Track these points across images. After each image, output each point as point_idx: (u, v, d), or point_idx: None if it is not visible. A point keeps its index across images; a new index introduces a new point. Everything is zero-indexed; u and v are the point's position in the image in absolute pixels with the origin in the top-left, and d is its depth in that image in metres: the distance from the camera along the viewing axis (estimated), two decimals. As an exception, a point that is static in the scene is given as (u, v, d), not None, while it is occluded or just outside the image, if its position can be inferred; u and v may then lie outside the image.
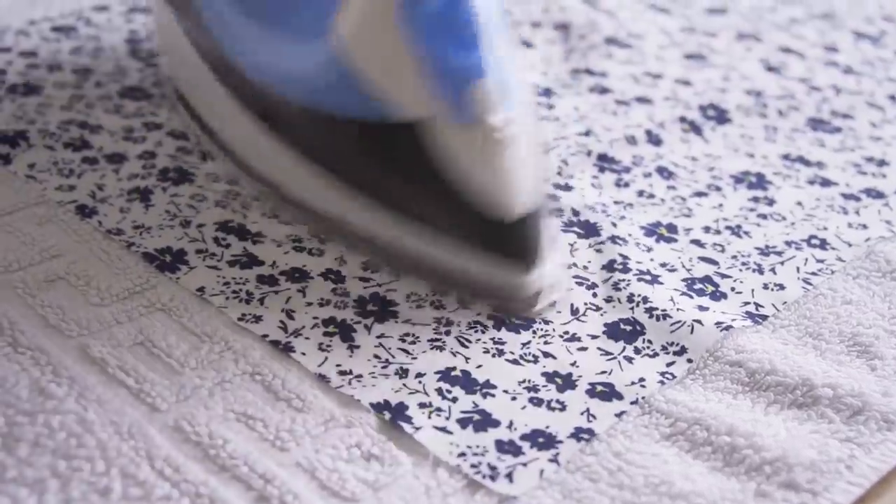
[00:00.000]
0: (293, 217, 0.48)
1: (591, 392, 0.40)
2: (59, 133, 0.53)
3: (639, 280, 0.45)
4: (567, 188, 0.51)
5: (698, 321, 0.43)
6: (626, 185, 0.52)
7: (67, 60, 0.60)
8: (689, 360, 0.42)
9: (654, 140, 0.56)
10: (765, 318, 0.44)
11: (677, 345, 0.43)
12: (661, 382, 0.41)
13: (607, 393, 0.40)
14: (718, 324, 0.43)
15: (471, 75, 0.41)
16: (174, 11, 0.54)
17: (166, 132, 0.54)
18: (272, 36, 0.47)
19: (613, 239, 0.48)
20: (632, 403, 0.40)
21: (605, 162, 0.54)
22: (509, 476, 0.37)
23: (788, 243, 0.49)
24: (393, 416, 0.39)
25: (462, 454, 0.37)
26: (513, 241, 0.42)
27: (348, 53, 0.43)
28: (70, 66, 0.59)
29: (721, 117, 0.59)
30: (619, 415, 0.39)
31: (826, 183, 0.54)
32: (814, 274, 0.47)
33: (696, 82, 0.63)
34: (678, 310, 0.44)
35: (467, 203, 0.42)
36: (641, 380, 0.41)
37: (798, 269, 0.47)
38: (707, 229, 0.50)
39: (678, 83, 0.63)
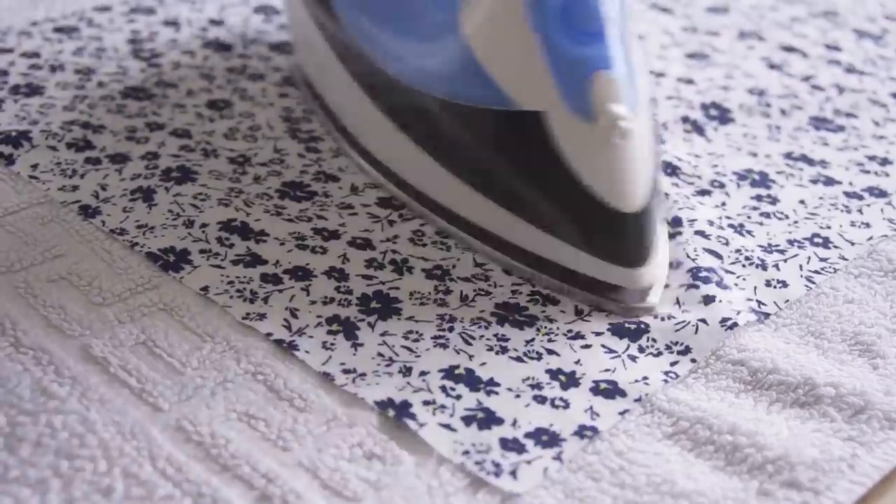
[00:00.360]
0: (413, 211, 0.48)
1: (595, 390, 0.40)
2: (61, 133, 0.53)
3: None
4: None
5: (703, 320, 0.43)
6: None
7: (70, 61, 0.60)
8: (693, 360, 0.42)
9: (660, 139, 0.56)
10: (767, 315, 0.44)
11: (681, 344, 0.42)
12: (665, 381, 0.40)
13: (611, 390, 0.40)
14: (724, 321, 0.43)
15: (594, 66, 0.42)
16: (309, 7, 0.54)
17: (169, 132, 0.53)
18: (403, 29, 0.47)
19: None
20: (635, 401, 0.39)
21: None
22: (513, 474, 0.36)
23: (791, 241, 0.49)
24: (397, 413, 0.38)
25: (466, 452, 0.37)
26: (629, 234, 0.43)
27: (473, 45, 0.43)
28: (72, 67, 0.59)
29: (724, 116, 0.59)
30: (622, 413, 0.39)
31: (829, 182, 0.54)
32: (817, 272, 0.47)
33: (698, 81, 0.63)
34: (683, 311, 0.44)
35: (585, 195, 0.42)
36: (645, 378, 0.41)
37: (801, 266, 0.47)
38: (711, 223, 0.49)
39: (680, 82, 0.63)
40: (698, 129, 0.58)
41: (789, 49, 0.68)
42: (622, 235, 0.43)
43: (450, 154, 0.45)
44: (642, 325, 0.43)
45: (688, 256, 0.46)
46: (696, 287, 0.45)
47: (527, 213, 0.43)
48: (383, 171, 0.50)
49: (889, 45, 0.71)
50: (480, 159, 0.45)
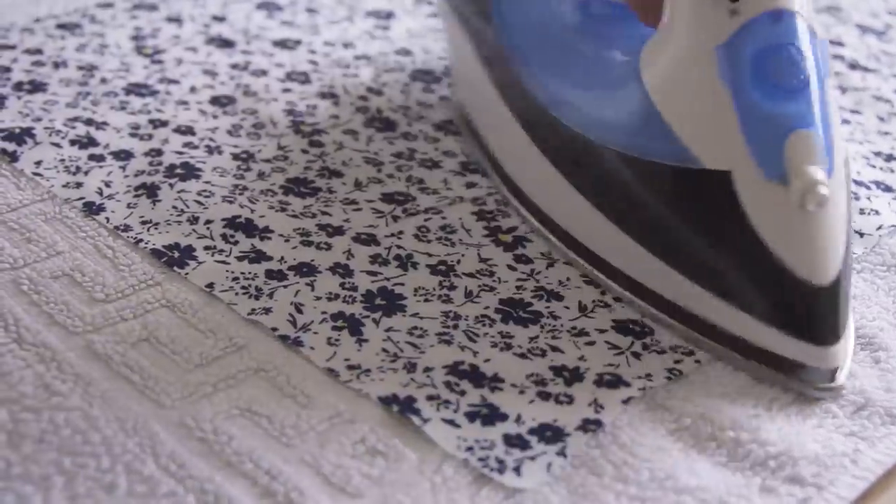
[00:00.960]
0: (580, 269, 0.45)
1: (598, 382, 0.40)
2: (65, 130, 0.52)
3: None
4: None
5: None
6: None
7: (72, 58, 0.59)
8: (697, 362, 0.41)
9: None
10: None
11: (686, 347, 0.42)
12: (668, 378, 0.40)
13: (614, 381, 0.40)
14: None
15: (791, 125, 0.39)
16: (472, 41, 0.51)
17: (172, 129, 0.53)
18: (578, 73, 0.45)
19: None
20: (639, 390, 0.39)
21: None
22: (517, 469, 0.36)
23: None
24: (401, 409, 0.38)
25: (470, 448, 0.37)
26: (820, 309, 0.39)
27: (654, 96, 0.41)
28: (75, 64, 0.59)
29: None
30: (626, 401, 0.39)
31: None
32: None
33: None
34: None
35: (773, 264, 0.39)
36: (648, 375, 0.40)
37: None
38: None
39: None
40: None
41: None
42: (813, 311, 0.39)
43: (621, 210, 0.43)
44: (647, 328, 0.43)
45: None
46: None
47: (703, 278, 0.40)
48: (547, 223, 0.46)
49: (892, 40, 0.71)
50: (656, 218, 0.41)
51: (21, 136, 0.52)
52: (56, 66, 0.58)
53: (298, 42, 0.63)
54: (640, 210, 0.42)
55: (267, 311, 0.42)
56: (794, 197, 0.38)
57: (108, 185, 0.49)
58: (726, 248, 0.40)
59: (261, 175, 0.50)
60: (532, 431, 0.38)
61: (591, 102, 0.45)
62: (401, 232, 0.47)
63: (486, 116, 0.52)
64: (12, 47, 0.60)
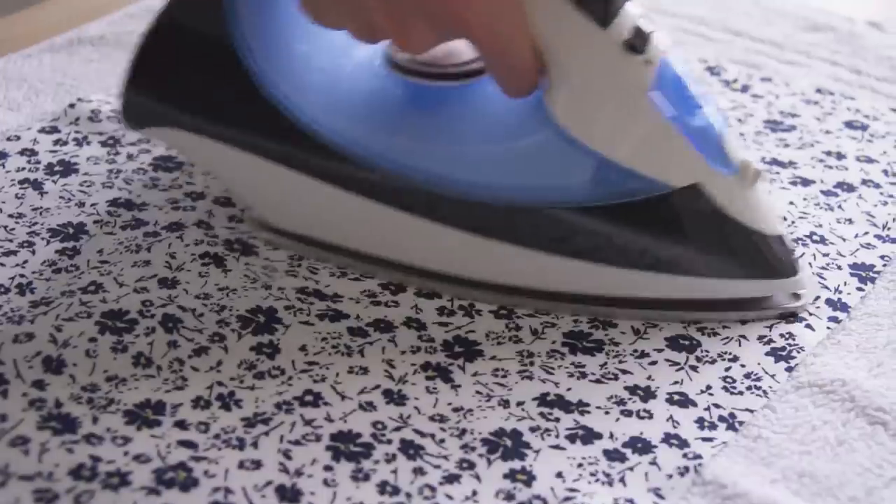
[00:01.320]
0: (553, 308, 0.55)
1: (670, 401, 0.51)
2: (112, 220, 0.60)
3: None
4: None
5: (743, 336, 0.54)
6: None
7: (91, 130, 0.66)
8: (743, 366, 0.52)
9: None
10: (795, 315, 0.55)
11: (730, 353, 0.53)
12: (725, 388, 0.51)
13: (683, 401, 0.51)
14: (761, 337, 0.54)
15: (715, 130, 0.53)
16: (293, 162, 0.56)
17: (211, 200, 0.61)
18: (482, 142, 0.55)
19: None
20: (704, 410, 0.50)
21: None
22: (622, 481, 0.47)
23: (795, 240, 0.60)
24: (513, 442, 0.48)
25: (580, 465, 0.47)
26: (787, 251, 0.55)
27: (607, 150, 0.52)
28: (96, 139, 0.66)
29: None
30: (697, 420, 0.50)
31: (805, 182, 0.65)
32: (824, 268, 0.58)
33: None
34: (723, 326, 0.54)
35: (753, 234, 0.53)
36: (708, 387, 0.51)
37: (810, 264, 0.58)
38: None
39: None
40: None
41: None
42: (784, 254, 0.55)
43: (596, 250, 0.54)
44: (694, 341, 0.54)
45: None
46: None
47: (687, 268, 0.53)
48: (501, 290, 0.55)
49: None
50: (637, 243, 0.53)
51: (75, 234, 0.58)
52: (78, 142, 0.65)
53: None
54: (624, 243, 0.53)
55: (364, 368, 0.51)
56: (748, 181, 0.53)
57: (173, 256, 0.57)
58: (712, 239, 0.54)
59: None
60: (625, 445, 0.48)
61: (509, 170, 0.54)
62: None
63: (327, 214, 0.57)
64: (28, 127, 0.66)
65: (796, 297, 0.56)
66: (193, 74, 0.57)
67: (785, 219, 0.62)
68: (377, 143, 0.55)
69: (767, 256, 0.54)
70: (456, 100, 0.56)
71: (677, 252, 0.54)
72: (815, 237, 0.61)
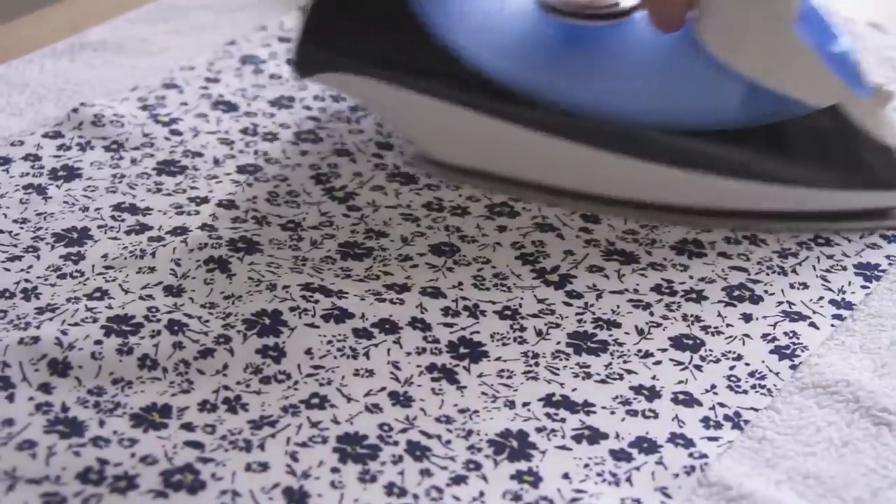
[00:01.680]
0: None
1: (675, 400, 0.51)
2: (116, 225, 0.60)
3: (687, 300, 0.56)
4: (595, 220, 0.62)
5: (747, 335, 0.55)
6: (646, 208, 0.64)
7: (93, 135, 0.66)
8: (747, 364, 0.53)
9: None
10: (799, 314, 0.56)
11: (734, 352, 0.54)
12: (730, 387, 0.52)
13: (688, 401, 0.51)
14: (764, 336, 0.54)
15: (851, 57, 0.60)
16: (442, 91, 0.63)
17: (215, 204, 0.62)
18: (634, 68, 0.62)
19: (653, 266, 0.59)
20: (709, 409, 0.50)
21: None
22: (629, 480, 0.47)
23: (800, 244, 0.60)
24: (519, 443, 0.49)
25: (586, 465, 0.48)
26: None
27: (754, 73, 0.58)
28: (99, 143, 0.66)
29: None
30: (702, 420, 0.50)
31: (810, 182, 0.66)
32: (828, 270, 0.59)
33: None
34: (727, 325, 0.55)
35: (883, 148, 0.60)
36: (713, 387, 0.52)
37: (814, 267, 0.59)
38: (728, 240, 0.61)
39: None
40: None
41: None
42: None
43: (744, 169, 0.60)
44: (698, 340, 0.54)
45: (718, 277, 0.58)
46: (734, 306, 0.56)
47: (827, 181, 0.60)
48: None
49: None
50: (782, 161, 0.60)
51: (80, 238, 0.58)
52: (81, 147, 0.65)
53: (292, 99, 0.72)
54: (769, 163, 0.60)
55: (370, 371, 0.52)
56: (882, 101, 0.61)
57: (178, 263, 0.57)
58: (851, 155, 0.60)
59: (314, 244, 0.59)
60: (632, 445, 0.49)
61: (672, 98, 0.61)
62: (460, 283, 0.57)
63: (485, 143, 0.63)
64: (31, 133, 0.66)
65: None
66: (364, 21, 0.64)
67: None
68: (537, 79, 0.62)
69: (892, 169, 0.61)
70: (608, 38, 0.62)
71: (818, 167, 0.60)
72: (819, 239, 0.61)
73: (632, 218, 0.62)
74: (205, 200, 0.62)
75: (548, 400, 0.51)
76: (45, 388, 0.50)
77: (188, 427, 0.49)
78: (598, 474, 0.48)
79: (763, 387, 0.52)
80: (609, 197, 0.62)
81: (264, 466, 0.47)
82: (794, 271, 0.59)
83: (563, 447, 0.49)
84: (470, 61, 0.62)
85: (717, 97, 0.60)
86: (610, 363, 0.53)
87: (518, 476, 0.47)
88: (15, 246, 0.58)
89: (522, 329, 0.55)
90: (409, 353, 0.53)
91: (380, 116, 0.68)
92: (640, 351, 0.54)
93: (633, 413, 0.51)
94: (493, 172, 0.64)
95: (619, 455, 0.49)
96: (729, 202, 0.61)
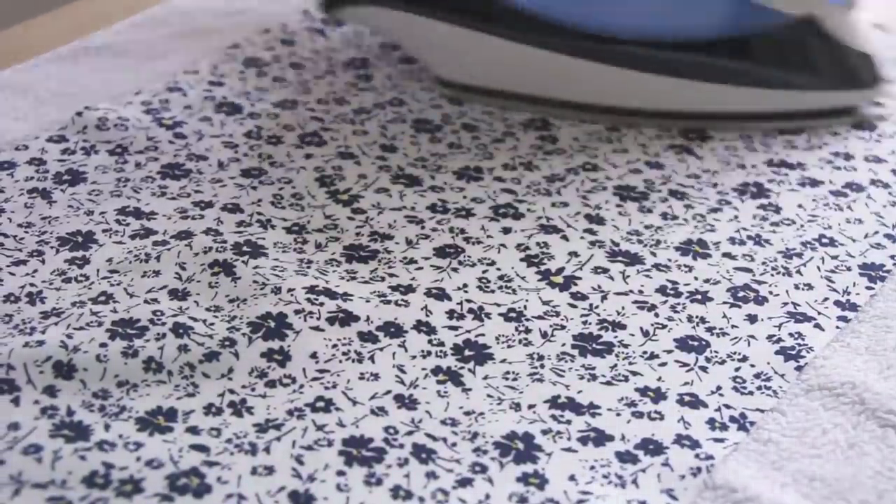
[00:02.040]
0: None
1: (681, 402, 0.51)
2: (121, 229, 0.60)
3: (692, 302, 0.57)
4: (600, 221, 0.62)
5: (752, 336, 0.55)
6: (650, 210, 0.63)
7: (98, 139, 0.67)
8: (752, 365, 0.53)
9: (656, 164, 0.67)
10: (805, 315, 0.56)
11: (740, 353, 0.54)
12: (735, 389, 0.52)
13: (694, 402, 0.51)
14: (769, 337, 0.54)
15: None
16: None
17: (220, 208, 0.62)
18: None
19: (657, 266, 0.59)
20: (715, 410, 0.50)
21: (624, 191, 0.65)
22: (635, 482, 0.47)
23: (804, 244, 0.61)
24: (525, 445, 0.49)
25: (592, 467, 0.48)
26: (870, 67, 0.71)
27: None
28: (103, 147, 0.66)
29: (702, 135, 0.71)
30: (708, 422, 0.50)
31: (814, 183, 0.66)
32: (832, 271, 0.59)
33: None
34: (732, 326, 0.55)
35: (853, 53, 0.69)
36: (719, 388, 0.52)
37: (819, 268, 0.59)
38: (732, 240, 0.61)
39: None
40: (687, 150, 0.69)
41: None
42: (873, 67, 0.71)
43: (730, 74, 0.69)
44: (703, 341, 0.54)
45: (723, 278, 0.58)
46: (739, 307, 0.56)
47: (798, 83, 0.69)
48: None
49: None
50: (764, 65, 0.69)
51: (85, 242, 0.58)
52: (86, 151, 0.65)
53: (295, 102, 0.72)
54: (750, 62, 0.69)
55: (375, 375, 0.52)
56: (853, 10, 0.69)
57: (182, 266, 0.57)
58: (825, 58, 0.69)
59: (319, 247, 0.60)
60: (637, 447, 0.49)
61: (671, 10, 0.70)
62: (465, 284, 0.57)
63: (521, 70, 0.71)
64: (36, 136, 0.67)
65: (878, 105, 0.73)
66: None
67: (794, 221, 0.63)
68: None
69: (865, 68, 0.70)
70: None
71: (797, 70, 0.69)
72: (823, 240, 0.61)
73: (621, 124, 0.70)
74: (209, 204, 0.62)
75: (553, 402, 0.51)
76: (50, 390, 0.50)
77: (194, 430, 0.49)
78: (604, 476, 0.48)
79: (768, 388, 0.52)
80: (601, 105, 0.71)
81: (270, 470, 0.47)
82: (798, 272, 0.59)
83: (568, 449, 0.49)
84: None
85: (710, 9, 0.69)
86: (615, 365, 0.53)
87: (524, 478, 0.47)
88: (20, 250, 0.58)
89: (527, 331, 0.55)
90: (414, 357, 0.53)
91: (403, 47, 0.76)
92: (645, 352, 0.54)
93: (639, 415, 0.51)
94: (501, 90, 0.72)
95: (625, 457, 0.49)
96: (732, 105, 0.70)
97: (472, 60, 0.73)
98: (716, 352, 0.54)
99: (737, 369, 0.53)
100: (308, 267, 0.58)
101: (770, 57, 0.69)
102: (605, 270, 0.59)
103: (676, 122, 0.70)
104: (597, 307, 0.56)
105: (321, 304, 0.55)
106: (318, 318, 0.55)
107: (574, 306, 0.56)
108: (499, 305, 0.56)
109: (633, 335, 0.55)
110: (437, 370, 0.52)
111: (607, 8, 0.71)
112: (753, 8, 0.68)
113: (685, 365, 0.53)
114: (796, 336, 0.55)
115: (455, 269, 0.58)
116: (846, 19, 0.69)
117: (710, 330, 0.55)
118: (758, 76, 0.69)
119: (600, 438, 0.49)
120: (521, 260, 0.59)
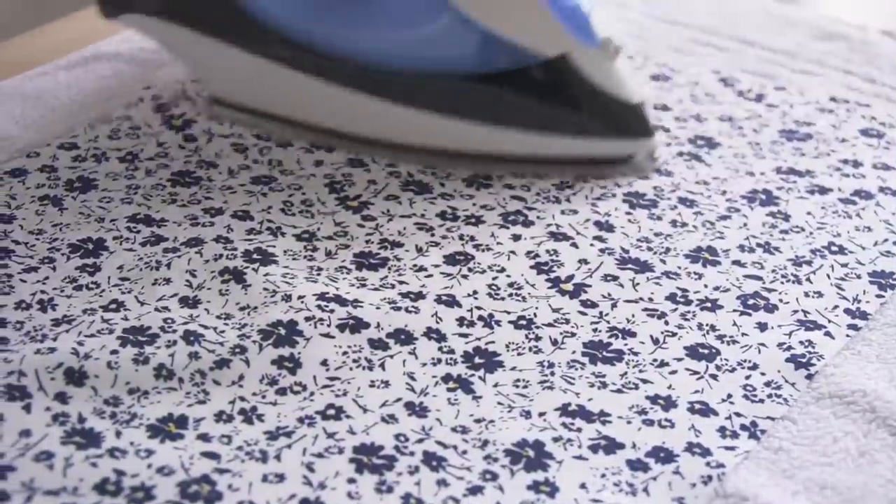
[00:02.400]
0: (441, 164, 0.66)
1: (692, 410, 0.51)
2: (132, 236, 0.60)
3: (702, 309, 0.56)
4: (610, 228, 0.62)
5: (762, 344, 0.55)
6: (659, 217, 0.63)
7: (108, 147, 0.67)
8: (763, 373, 0.53)
9: (665, 172, 0.67)
10: (815, 323, 0.56)
11: (750, 361, 0.54)
12: (745, 397, 0.52)
13: (704, 410, 0.51)
14: (780, 345, 0.54)
15: (584, 9, 0.64)
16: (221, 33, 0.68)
17: (230, 215, 0.62)
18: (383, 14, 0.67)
19: (667, 274, 0.59)
20: (725, 418, 0.50)
21: (633, 198, 0.65)
22: (646, 490, 0.47)
23: (814, 252, 0.60)
24: (535, 453, 0.48)
25: (603, 475, 0.48)
26: (643, 116, 0.66)
27: (484, 21, 0.64)
28: (114, 154, 0.66)
29: (711, 142, 0.70)
30: (719, 430, 0.50)
31: (823, 191, 0.66)
32: (842, 279, 0.59)
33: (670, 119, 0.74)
34: (743, 334, 0.55)
35: (613, 100, 0.65)
36: (729, 396, 0.52)
37: (828, 276, 0.59)
38: (742, 248, 0.61)
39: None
40: (696, 157, 0.69)
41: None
42: (642, 117, 0.66)
43: (483, 111, 0.65)
44: (713, 349, 0.54)
45: (732, 285, 0.58)
46: (749, 314, 0.56)
47: (561, 128, 0.65)
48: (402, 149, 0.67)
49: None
50: (520, 106, 0.65)
51: (96, 249, 0.58)
52: (97, 159, 0.65)
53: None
54: (505, 105, 0.65)
55: (386, 382, 0.52)
56: (608, 54, 0.64)
57: (193, 274, 0.57)
58: (579, 102, 0.65)
59: (329, 254, 0.59)
60: (648, 455, 0.49)
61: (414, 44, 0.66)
62: (475, 292, 0.57)
63: (273, 90, 0.68)
64: (46, 144, 0.67)
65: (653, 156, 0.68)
66: None
67: (803, 229, 0.63)
68: (307, 27, 0.67)
69: (631, 117, 0.66)
70: None
71: (550, 114, 0.65)
72: (833, 248, 0.61)
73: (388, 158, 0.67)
74: (219, 211, 0.62)
75: (564, 409, 0.51)
76: (61, 397, 0.50)
77: (204, 438, 0.49)
78: (615, 484, 0.48)
79: (779, 396, 0.52)
80: (368, 138, 0.67)
81: (280, 477, 0.47)
82: (808, 280, 0.59)
83: (579, 457, 0.49)
84: (253, 12, 0.67)
85: (463, 45, 0.65)
86: (625, 372, 0.53)
87: (535, 486, 0.47)
88: (31, 257, 0.58)
89: (538, 338, 0.55)
90: (424, 364, 0.53)
91: (182, 61, 0.72)
92: (655, 360, 0.54)
93: (650, 423, 0.51)
94: (270, 112, 0.69)
95: (636, 465, 0.49)
96: (467, 145, 0.66)
97: (231, 77, 0.69)
98: (726, 360, 0.54)
99: (747, 377, 0.53)
100: (318, 274, 0.58)
101: (528, 96, 0.65)
102: (615, 278, 0.59)
103: (421, 157, 0.67)
104: (607, 315, 0.56)
105: (331, 312, 0.55)
106: (329, 326, 0.55)
107: (584, 314, 0.56)
108: (509, 313, 0.56)
109: (643, 343, 0.55)
110: (447, 377, 0.52)
111: (349, 33, 0.67)
112: (502, 45, 0.64)
113: (695, 373, 0.53)
114: (807, 344, 0.55)
115: (465, 277, 0.58)
116: (604, 64, 0.64)
117: (720, 338, 0.55)
118: (511, 116, 0.65)
119: (611, 446, 0.49)
120: (531, 267, 0.59)
